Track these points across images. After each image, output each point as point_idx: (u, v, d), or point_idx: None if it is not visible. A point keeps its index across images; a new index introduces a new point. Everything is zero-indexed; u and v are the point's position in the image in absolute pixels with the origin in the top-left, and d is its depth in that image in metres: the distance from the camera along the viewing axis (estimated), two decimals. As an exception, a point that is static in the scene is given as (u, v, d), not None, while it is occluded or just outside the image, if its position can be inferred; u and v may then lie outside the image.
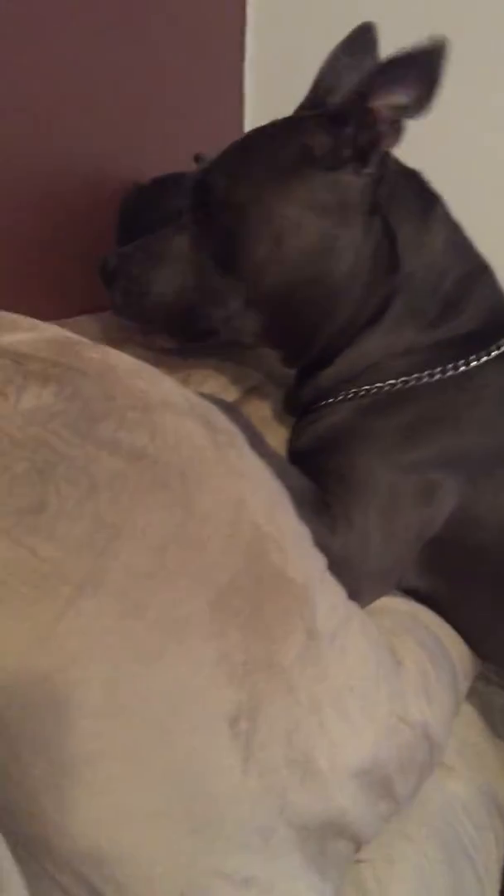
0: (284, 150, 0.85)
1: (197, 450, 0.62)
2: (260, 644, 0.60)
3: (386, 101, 0.79)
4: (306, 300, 0.87)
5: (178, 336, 0.92)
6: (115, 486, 0.56)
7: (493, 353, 0.88)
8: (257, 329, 0.90)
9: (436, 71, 0.75)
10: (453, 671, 0.91)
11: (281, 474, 0.77)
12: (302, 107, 0.95)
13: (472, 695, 0.99)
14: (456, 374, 0.87)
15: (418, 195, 0.90)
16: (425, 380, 0.87)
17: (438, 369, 0.87)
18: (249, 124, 1.50)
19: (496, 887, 0.87)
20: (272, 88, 1.44)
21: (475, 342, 0.89)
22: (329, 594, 0.72)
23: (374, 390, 0.89)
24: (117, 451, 0.57)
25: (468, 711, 0.97)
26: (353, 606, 0.77)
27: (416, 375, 0.88)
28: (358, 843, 0.70)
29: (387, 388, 0.88)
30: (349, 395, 0.91)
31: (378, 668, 0.73)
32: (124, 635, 0.54)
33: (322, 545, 0.78)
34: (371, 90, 0.79)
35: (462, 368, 0.87)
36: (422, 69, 0.76)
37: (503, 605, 0.92)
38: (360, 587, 0.83)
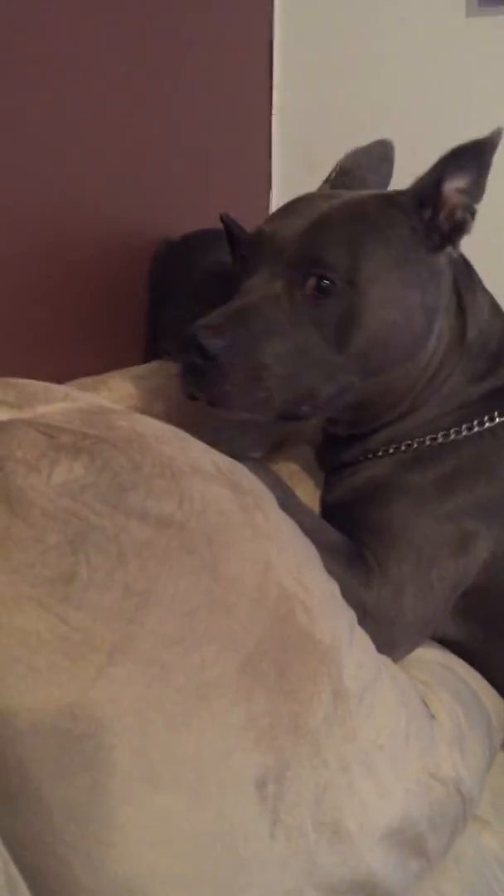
0: (396, 232, 0.85)
1: (224, 514, 0.64)
2: (286, 706, 0.61)
3: (452, 186, 0.84)
4: (403, 375, 0.88)
5: (280, 417, 0.85)
6: (143, 554, 0.58)
7: None
8: (354, 403, 0.88)
9: (485, 157, 0.81)
10: (488, 723, 0.91)
11: (313, 530, 0.79)
12: (330, 184, 0.99)
13: (505, 741, 0.98)
14: (493, 425, 0.90)
15: (465, 268, 0.94)
16: (464, 433, 0.90)
17: (476, 421, 0.90)
18: (277, 181, 1.53)
19: (533, 944, 0.85)
20: (299, 146, 1.48)
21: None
22: (358, 652, 0.72)
23: (416, 445, 0.91)
24: (145, 519, 0.59)
25: (501, 760, 0.96)
26: (383, 661, 0.78)
27: (455, 429, 0.90)
28: (389, 903, 0.70)
29: (428, 442, 0.91)
30: (390, 451, 0.92)
31: (409, 725, 0.74)
32: (153, 701, 0.55)
33: (356, 598, 0.80)
34: (442, 177, 0.83)
35: (497, 420, 0.90)
36: (475, 155, 0.82)
37: None
38: (394, 639, 0.84)
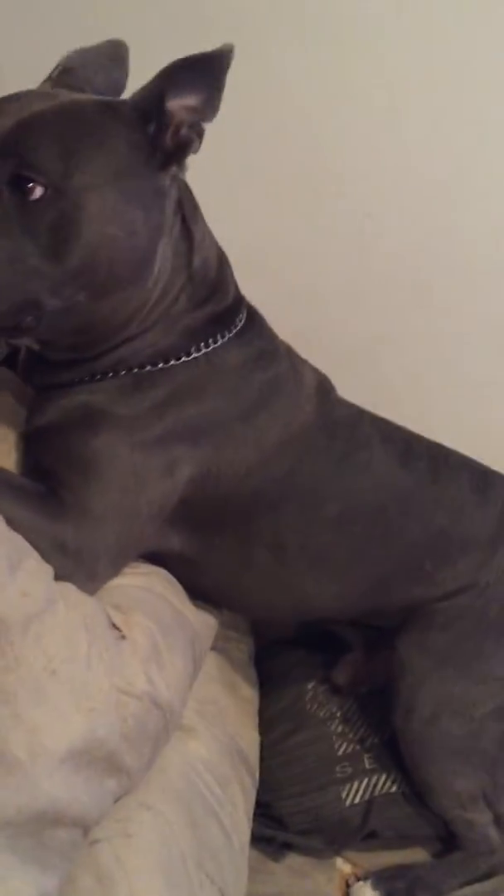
0: (116, 142, 0.78)
1: None
2: None
3: (180, 103, 0.78)
4: (130, 297, 0.83)
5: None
6: None
7: (230, 333, 0.94)
8: (81, 324, 0.83)
9: (220, 75, 0.75)
10: (190, 637, 0.92)
11: None
12: (51, 83, 0.88)
13: (215, 651, 1.00)
14: (207, 351, 0.91)
15: (188, 193, 0.90)
16: (182, 359, 0.90)
17: (193, 349, 0.91)
18: None
19: (245, 838, 0.89)
20: None
21: (220, 323, 0.93)
22: (22, 580, 0.69)
23: (136, 370, 0.89)
24: None
25: (208, 669, 0.99)
26: (59, 590, 0.75)
27: (175, 357, 0.90)
28: (84, 828, 0.68)
29: (149, 368, 0.89)
30: (109, 375, 0.89)
31: (90, 647, 0.72)
32: None
33: (51, 538, 0.79)
34: (165, 91, 0.77)
35: (212, 347, 0.92)
36: (208, 73, 0.76)
37: (247, 551, 0.97)
38: (96, 571, 0.84)
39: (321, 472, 0.98)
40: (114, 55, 0.93)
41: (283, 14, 1.21)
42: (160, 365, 0.89)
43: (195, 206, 0.91)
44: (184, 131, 0.79)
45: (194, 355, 0.91)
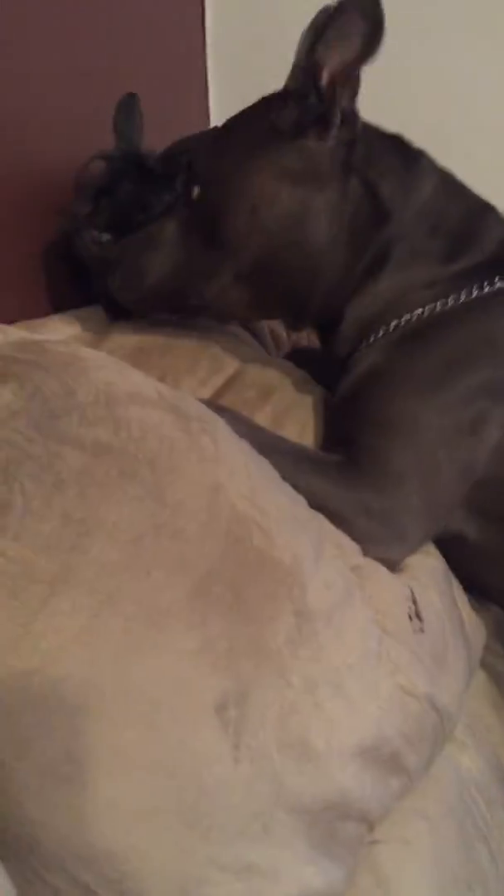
0: (254, 127, 0.89)
1: (165, 439, 0.61)
2: (245, 629, 0.59)
3: (338, 61, 0.82)
4: (288, 266, 0.89)
5: (174, 312, 0.97)
6: (81, 481, 0.55)
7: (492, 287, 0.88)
8: (248, 300, 0.93)
9: (375, 12, 0.78)
10: (468, 641, 0.89)
11: (292, 451, 0.81)
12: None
13: (479, 666, 0.97)
14: (482, 293, 0.88)
15: (398, 153, 0.92)
16: (451, 303, 0.88)
17: (464, 293, 0.88)
18: (216, 109, 1.46)
19: (508, 867, 0.85)
20: (235, 73, 1.40)
21: (495, 268, 0.89)
22: (326, 572, 0.69)
23: (403, 323, 0.89)
24: (81, 446, 0.56)
25: (476, 684, 0.95)
26: (356, 582, 0.74)
27: (441, 301, 0.88)
28: (369, 824, 0.68)
29: (414, 319, 0.89)
30: (379, 336, 0.90)
31: (381, 644, 0.72)
32: (101, 631, 0.53)
33: (356, 504, 0.79)
34: (318, 61, 0.82)
35: (487, 289, 0.88)
36: (360, 15, 0.79)
37: None
38: (405, 530, 0.82)
39: None
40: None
41: None
42: (423, 314, 0.88)
43: (400, 165, 0.90)
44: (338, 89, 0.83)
45: (463, 300, 0.87)
